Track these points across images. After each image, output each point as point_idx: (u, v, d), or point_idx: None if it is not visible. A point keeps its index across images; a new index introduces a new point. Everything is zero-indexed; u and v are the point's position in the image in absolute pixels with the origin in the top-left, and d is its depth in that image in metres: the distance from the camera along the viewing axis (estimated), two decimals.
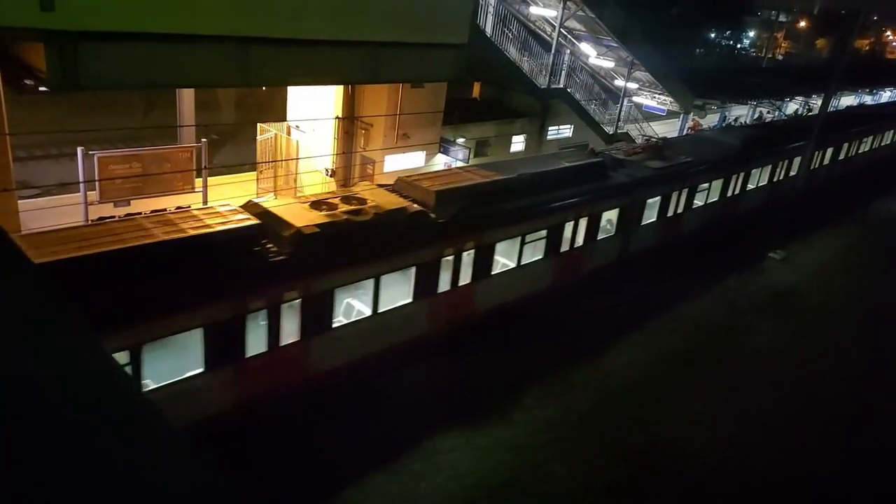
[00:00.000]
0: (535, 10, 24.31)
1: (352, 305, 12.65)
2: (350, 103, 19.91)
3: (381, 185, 14.80)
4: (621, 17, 23.89)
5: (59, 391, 1.17)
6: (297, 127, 20.23)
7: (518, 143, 25.30)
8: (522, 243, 15.04)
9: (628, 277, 18.77)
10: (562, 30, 24.23)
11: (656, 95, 28.74)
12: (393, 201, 13.09)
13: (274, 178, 19.50)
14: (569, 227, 16.32)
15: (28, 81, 12.24)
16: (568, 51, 25.55)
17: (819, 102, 30.20)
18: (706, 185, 21.37)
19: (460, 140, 21.70)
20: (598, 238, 17.50)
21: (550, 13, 24.12)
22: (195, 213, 11.06)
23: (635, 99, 28.62)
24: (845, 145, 31.50)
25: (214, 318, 9.91)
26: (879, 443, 13.99)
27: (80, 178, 14.75)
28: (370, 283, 12.15)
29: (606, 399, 13.99)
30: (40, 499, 0.99)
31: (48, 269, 8.40)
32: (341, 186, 19.47)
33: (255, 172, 20.20)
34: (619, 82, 27.42)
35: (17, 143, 17.61)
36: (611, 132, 26.73)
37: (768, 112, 40.19)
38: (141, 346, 9.18)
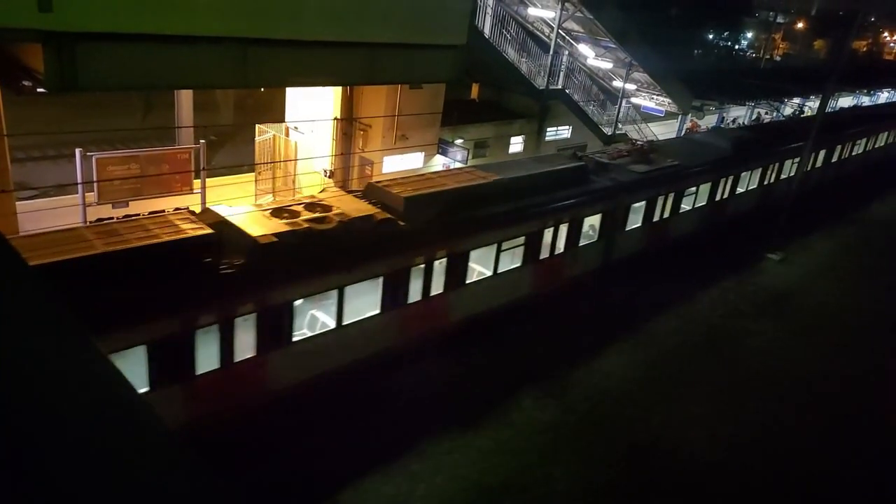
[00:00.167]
0: (533, 12, 24.37)
1: (316, 318, 12.22)
2: (349, 104, 19.91)
3: (349, 191, 14.29)
4: (619, 19, 23.95)
5: (54, 393, 1.17)
6: (296, 128, 20.22)
7: (517, 144, 25.30)
8: (499, 250, 14.60)
9: (628, 278, 18.77)
10: (560, 31, 24.26)
11: (654, 96, 28.79)
12: (360, 208, 12.68)
13: (272, 179, 19.49)
14: (548, 233, 15.87)
15: (26, 83, 12.18)
16: (566, 52, 25.60)
17: (816, 104, 30.22)
18: (693, 188, 20.97)
19: (459, 141, 21.71)
20: (580, 244, 17.06)
21: (548, 14, 24.16)
22: (144, 222, 10.58)
23: (633, 100, 28.65)
24: (838, 147, 31.38)
25: (157, 335, 9.47)
26: (879, 443, 14.01)
27: (79, 180, 14.74)
28: (334, 294, 11.68)
29: (606, 399, 14.00)
30: (35, 500, 0.99)
31: None
32: (340, 187, 19.45)
33: (253, 174, 20.20)
34: (618, 83, 27.46)
35: (15, 145, 17.61)
36: (609, 133, 26.74)
37: (766, 113, 40.19)
38: None
